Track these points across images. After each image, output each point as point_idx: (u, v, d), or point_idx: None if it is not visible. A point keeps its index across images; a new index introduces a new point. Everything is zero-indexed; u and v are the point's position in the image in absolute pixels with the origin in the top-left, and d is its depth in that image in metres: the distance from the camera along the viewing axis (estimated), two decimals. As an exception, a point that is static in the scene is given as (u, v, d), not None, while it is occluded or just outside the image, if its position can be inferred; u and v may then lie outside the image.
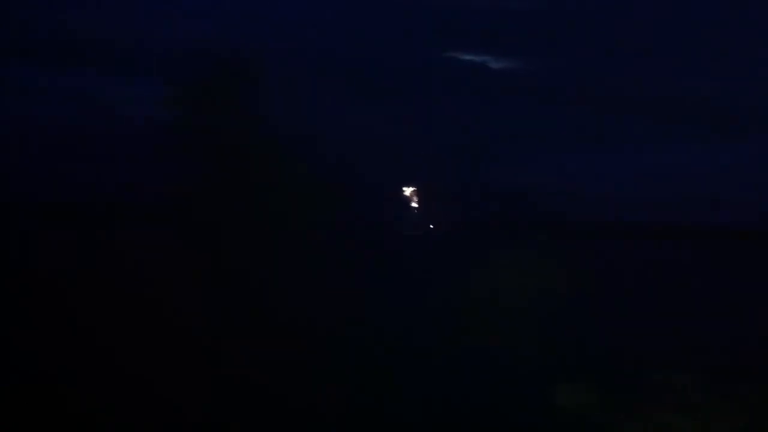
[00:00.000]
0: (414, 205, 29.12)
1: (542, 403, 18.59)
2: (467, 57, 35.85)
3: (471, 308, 22.89)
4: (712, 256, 28.85)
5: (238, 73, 22.33)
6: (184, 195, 21.84)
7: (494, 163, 33.10)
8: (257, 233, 22.02)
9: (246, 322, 20.26)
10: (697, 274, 27.45)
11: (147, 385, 17.94)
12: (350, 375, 19.56)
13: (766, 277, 27.10)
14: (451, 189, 30.03)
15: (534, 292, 23.31)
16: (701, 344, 21.40)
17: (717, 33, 36.66)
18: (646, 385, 18.18)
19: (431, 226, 29.56)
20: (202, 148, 22.03)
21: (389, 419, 18.51)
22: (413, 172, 29.68)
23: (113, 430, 17.45)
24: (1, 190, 25.64)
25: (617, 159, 35.10)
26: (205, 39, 26.37)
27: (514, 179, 32.18)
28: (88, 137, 25.37)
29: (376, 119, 31.05)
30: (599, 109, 36.37)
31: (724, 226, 31.57)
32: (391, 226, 28.35)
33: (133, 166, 23.40)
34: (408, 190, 29.15)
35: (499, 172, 32.38)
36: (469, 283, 23.66)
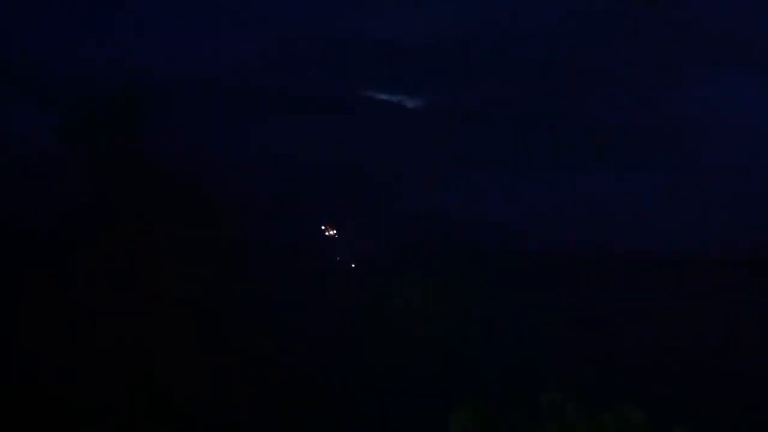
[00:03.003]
0: (328, 233, 29.21)
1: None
2: (382, 95, 36.22)
3: (375, 333, 23.38)
4: (613, 281, 29.41)
5: (135, 99, 22.10)
6: (80, 221, 21.59)
7: (406, 191, 33.20)
8: (159, 258, 21.85)
9: (148, 346, 20.03)
10: (598, 298, 28.09)
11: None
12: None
13: (665, 301, 27.76)
14: (362, 217, 30.23)
15: (438, 319, 23.99)
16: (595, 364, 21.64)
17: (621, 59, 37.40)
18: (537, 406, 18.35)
19: (340, 257, 29.47)
20: (96, 174, 21.78)
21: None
22: (327, 200, 29.92)
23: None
24: None
25: (530, 187, 35.29)
26: (100, 66, 26.14)
27: (426, 208, 32.33)
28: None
29: (286, 146, 31.00)
30: (514, 139, 36.68)
31: (626, 252, 32.07)
32: (302, 255, 28.11)
33: (27, 192, 23.01)
34: (321, 220, 29.23)
35: (410, 200, 32.51)
36: (379, 310, 24.12)
